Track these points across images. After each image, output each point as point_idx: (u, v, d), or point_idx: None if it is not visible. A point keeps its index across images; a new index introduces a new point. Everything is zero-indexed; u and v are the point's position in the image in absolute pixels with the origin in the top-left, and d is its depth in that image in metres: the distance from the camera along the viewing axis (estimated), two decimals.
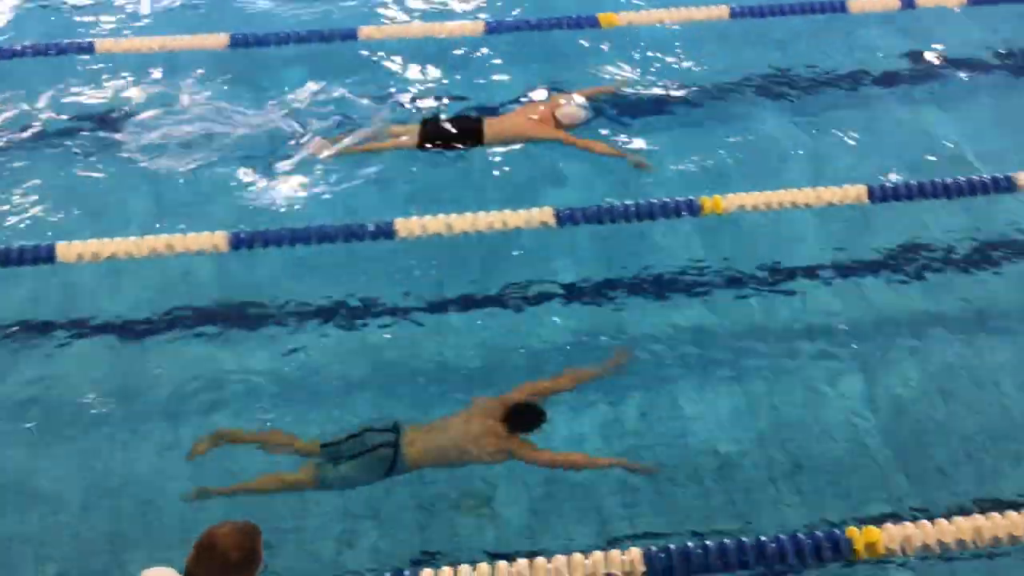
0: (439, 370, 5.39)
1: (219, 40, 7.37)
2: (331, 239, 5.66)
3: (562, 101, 6.89)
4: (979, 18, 8.04)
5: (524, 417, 4.81)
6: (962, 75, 7.60)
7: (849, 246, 6.13)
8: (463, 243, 5.78)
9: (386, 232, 5.57)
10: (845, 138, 6.93)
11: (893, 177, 6.33)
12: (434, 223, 5.53)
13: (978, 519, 4.00)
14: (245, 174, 6.59)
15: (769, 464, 4.88)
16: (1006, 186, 5.95)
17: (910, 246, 6.13)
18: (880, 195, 5.87)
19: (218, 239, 5.51)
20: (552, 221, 5.67)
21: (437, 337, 5.59)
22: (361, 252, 5.81)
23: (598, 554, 3.83)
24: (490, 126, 6.83)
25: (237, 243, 5.52)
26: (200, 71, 7.41)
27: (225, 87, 7.29)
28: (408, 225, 5.56)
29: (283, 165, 6.64)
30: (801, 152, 6.79)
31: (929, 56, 7.76)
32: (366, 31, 7.50)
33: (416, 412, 4.99)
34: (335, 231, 5.66)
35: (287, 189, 6.51)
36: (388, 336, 5.61)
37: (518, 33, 7.56)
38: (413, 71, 7.55)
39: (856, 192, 5.85)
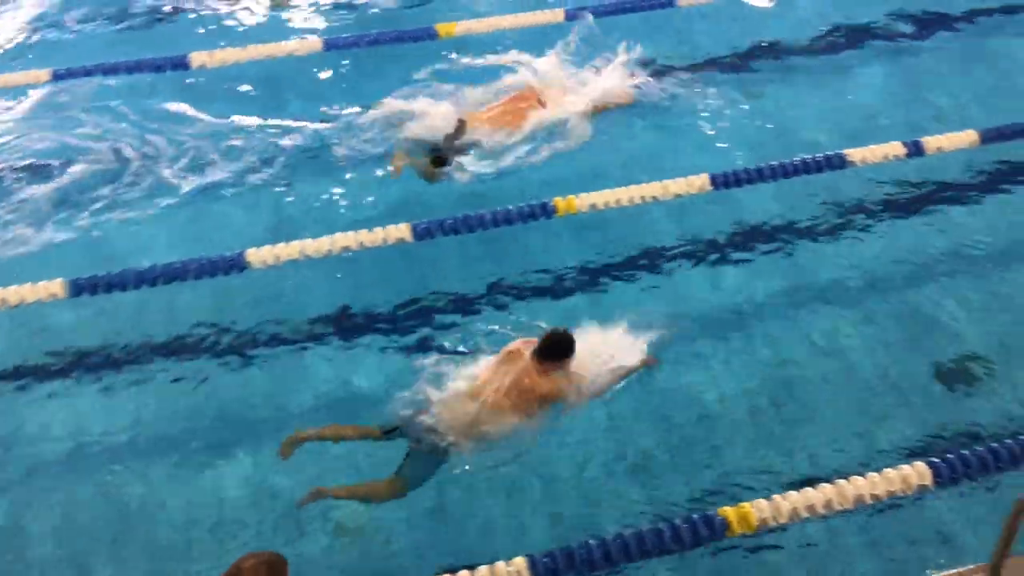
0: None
1: (40, 75, 7.01)
2: (180, 277, 5.44)
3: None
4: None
5: (557, 346, 4.70)
6: (797, 59, 7.94)
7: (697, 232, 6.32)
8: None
9: (238, 265, 5.40)
10: (690, 130, 7.13)
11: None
12: (287, 250, 5.40)
13: (840, 483, 4.22)
14: (86, 212, 6.29)
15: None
16: (839, 164, 6.28)
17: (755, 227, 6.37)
18: (723, 182, 6.09)
19: (55, 287, 5.21)
20: (409, 236, 5.62)
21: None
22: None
23: (483, 569, 3.82)
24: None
25: (77, 290, 5.23)
26: (28, 105, 7.07)
27: (56, 121, 6.95)
28: (260, 255, 5.40)
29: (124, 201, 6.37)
30: (648, 148, 6.94)
31: (762, 43, 8.08)
32: (198, 58, 7.26)
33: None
34: (184, 268, 5.43)
35: (129, 228, 6.24)
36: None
37: (357, 49, 7.48)
38: (252, 94, 7.36)
39: (700, 182, 6.06)
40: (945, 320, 5.67)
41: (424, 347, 5.41)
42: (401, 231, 5.62)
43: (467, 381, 4.82)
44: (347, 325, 5.64)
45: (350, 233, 5.56)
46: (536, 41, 7.63)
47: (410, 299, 5.80)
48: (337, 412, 5.07)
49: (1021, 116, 6.70)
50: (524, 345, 4.87)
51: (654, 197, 5.98)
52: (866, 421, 5.08)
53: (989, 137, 6.49)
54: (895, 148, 6.36)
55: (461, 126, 6.77)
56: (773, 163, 6.27)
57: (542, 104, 6.91)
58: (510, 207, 5.86)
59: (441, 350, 5.35)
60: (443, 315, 5.70)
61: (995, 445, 4.40)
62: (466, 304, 5.77)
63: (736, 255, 6.14)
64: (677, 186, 6.02)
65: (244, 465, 4.88)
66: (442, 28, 7.58)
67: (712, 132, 7.11)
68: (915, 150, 6.37)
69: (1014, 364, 5.37)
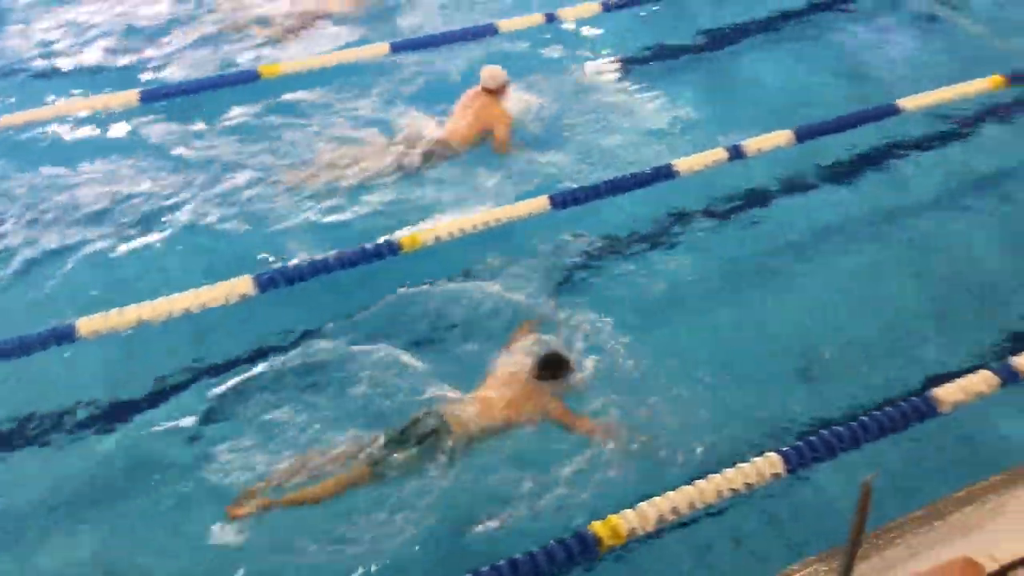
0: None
1: None
2: (5, 356, 5.09)
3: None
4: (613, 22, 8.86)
5: (551, 366, 5.05)
6: (621, 81, 8.21)
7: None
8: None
9: (66, 335, 5.12)
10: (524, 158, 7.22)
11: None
12: (119, 317, 5.14)
13: (699, 483, 4.38)
14: None
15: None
16: (667, 174, 6.56)
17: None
18: (560, 202, 6.24)
19: None
20: (252, 291, 5.47)
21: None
22: None
23: None
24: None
25: None
26: None
27: None
28: (92, 325, 5.13)
29: None
30: (486, 176, 6.95)
31: (588, 65, 8.33)
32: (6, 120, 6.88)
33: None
34: (8, 347, 5.09)
35: None
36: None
37: (174, 99, 7.25)
38: (69, 152, 7.00)
39: (539, 203, 6.19)
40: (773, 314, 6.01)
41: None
42: (244, 284, 5.46)
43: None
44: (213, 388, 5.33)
45: (189, 293, 5.35)
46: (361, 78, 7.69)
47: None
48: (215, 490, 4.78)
49: (833, 112, 7.25)
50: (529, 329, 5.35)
51: (498, 220, 6.05)
52: (714, 418, 5.25)
53: (803, 134, 6.94)
54: (717, 154, 6.70)
55: (439, 144, 6.91)
56: (607, 179, 6.48)
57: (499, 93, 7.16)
58: (354, 248, 5.77)
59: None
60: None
61: (839, 428, 4.69)
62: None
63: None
64: (517, 210, 6.12)
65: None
66: (265, 69, 7.45)
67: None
68: (736, 154, 6.73)
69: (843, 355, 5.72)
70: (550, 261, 6.25)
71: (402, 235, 5.87)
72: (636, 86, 8.00)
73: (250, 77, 7.40)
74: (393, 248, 5.79)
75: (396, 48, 7.91)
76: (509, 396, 4.98)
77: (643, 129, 7.51)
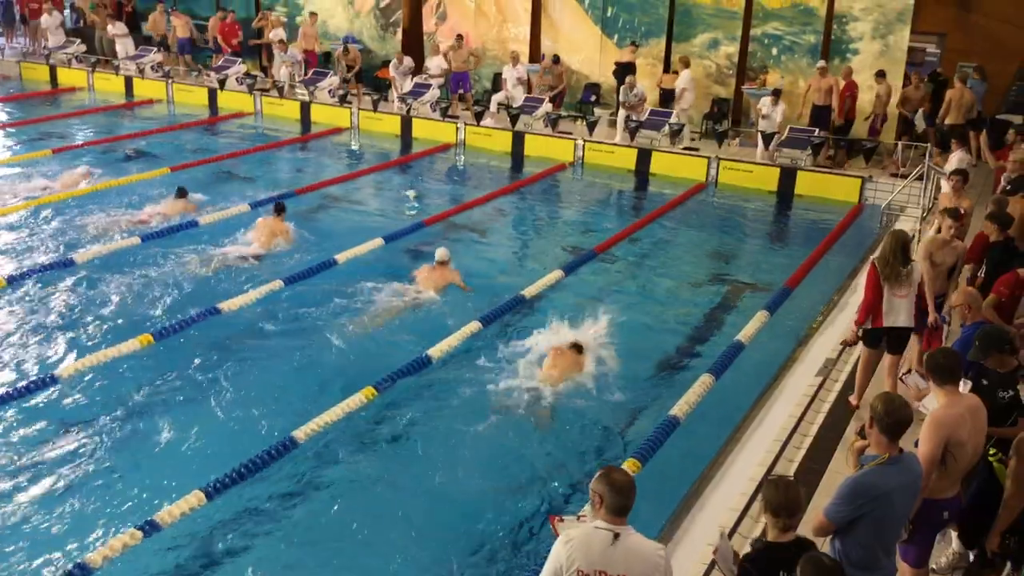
0: None
1: None
2: None
3: None
4: None
5: (578, 345, 9.32)
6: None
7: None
8: None
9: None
10: None
11: None
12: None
13: None
14: None
15: None
16: (151, 526, 6.27)
17: None
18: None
19: None
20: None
21: None
22: None
23: None
24: None
25: None
26: None
27: None
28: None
29: None
30: None
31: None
32: None
33: None
34: None
35: None
36: None
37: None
38: None
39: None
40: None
41: None
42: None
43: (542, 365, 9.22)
44: None
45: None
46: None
47: None
48: None
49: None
50: (560, 348, 9.32)
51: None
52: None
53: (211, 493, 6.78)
54: (134, 535, 6.22)
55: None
56: None
57: None
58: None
59: None
60: None
61: None
62: None
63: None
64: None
65: None
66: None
67: None
68: (152, 527, 6.34)
69: None
70: None
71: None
72: None
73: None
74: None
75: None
76: (569, 360, 9.10)
77: None
